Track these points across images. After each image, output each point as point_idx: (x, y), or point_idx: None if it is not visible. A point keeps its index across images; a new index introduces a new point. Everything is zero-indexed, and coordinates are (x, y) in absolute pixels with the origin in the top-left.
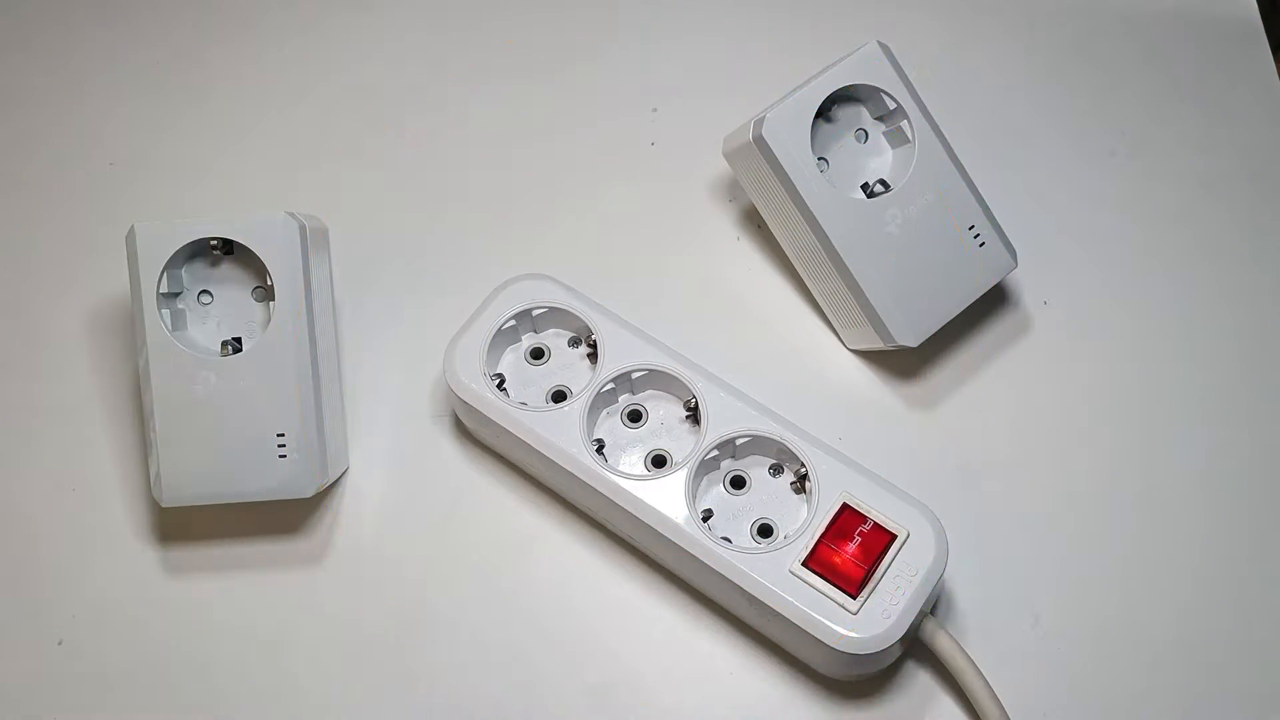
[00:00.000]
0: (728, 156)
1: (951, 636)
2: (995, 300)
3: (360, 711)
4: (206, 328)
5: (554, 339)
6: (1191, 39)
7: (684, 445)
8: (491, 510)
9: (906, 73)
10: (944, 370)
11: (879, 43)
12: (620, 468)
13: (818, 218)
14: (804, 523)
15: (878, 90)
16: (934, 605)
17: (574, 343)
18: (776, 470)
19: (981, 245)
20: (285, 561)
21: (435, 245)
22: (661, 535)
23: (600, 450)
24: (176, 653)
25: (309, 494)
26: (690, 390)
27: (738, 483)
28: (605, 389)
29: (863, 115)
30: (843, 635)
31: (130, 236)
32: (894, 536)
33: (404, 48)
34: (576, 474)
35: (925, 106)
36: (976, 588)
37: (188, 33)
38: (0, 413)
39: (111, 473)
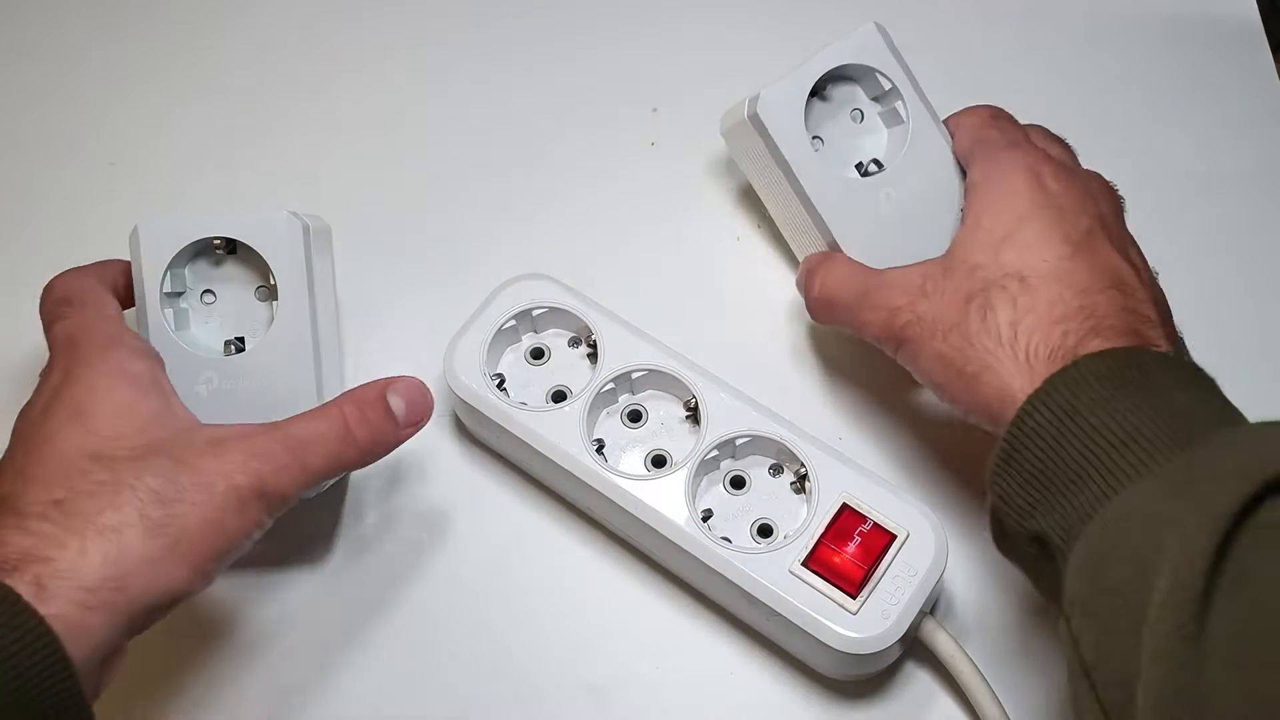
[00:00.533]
0: (725, 135)
1: (951, 636)
2: None
3: (360, 711)
4: (209, 327)
5: (554, 339)
6: (1191, 39)
7: (684, 445)
8: (491, 510)
9: (906, 62)
10: None
11: (876, 24)
12: (620, 468)
13: (810, 195)
14: (804, 523)
15: (873, 70)
16: (934, 605)
17: (574, 343)
18: (776, 470)
19: None
20: (285, 561)
21: (436, 245)
22: (661, 535)
23: (600, 450)
24: (177, 652)
25: (310, 494)
26: (690, 390)
27: (737, 483)
28: (605, 389)
29: (858, 95)
30: (842, 635)
31: (134, 235)
32: (893, 537)
33: (405, 48)
34: (576, 474)
35: (920, 89)
36: (976, 588)
37: (188, 33)
38: (1, 415)
39: None
